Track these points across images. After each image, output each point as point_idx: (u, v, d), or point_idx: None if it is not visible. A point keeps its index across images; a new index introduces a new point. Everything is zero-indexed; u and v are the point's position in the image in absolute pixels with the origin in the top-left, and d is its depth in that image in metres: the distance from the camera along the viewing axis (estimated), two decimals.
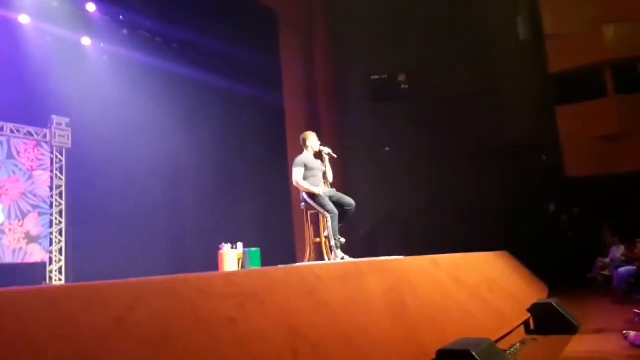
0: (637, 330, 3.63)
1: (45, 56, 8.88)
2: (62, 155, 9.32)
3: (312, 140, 5.41)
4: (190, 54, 11.06)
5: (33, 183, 8.92)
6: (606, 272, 8.06)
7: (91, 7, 9.55)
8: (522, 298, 4.93)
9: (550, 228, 10.02)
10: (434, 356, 2.51)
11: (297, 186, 5.19)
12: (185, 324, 1.74)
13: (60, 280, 8.74)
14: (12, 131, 8.72)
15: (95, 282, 1.77)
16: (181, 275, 1.98)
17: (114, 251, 8.78)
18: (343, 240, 5.07)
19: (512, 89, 10.93)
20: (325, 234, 5.12)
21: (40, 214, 8.93)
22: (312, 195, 5.11)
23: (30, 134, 9.02)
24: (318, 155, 5.44)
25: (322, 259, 5.21)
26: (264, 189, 11.46)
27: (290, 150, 10.46)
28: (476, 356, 2.40)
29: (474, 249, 5.81)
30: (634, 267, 6.80)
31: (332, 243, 4.98)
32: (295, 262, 8.12)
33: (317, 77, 12.04)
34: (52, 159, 9.20)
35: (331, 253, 5.04)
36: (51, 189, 9.10)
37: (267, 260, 7.64)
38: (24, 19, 8.82)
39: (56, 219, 9.05)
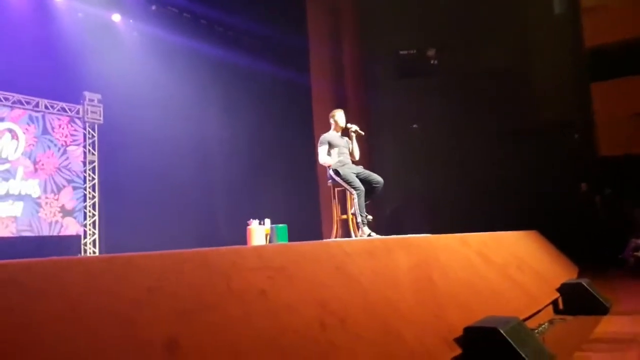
0: None
1: (77, 33, 9.02)
2: (94, 131, 9.54)
3: (339, 116, 5.39)
4: (217, 32, 11.08)
5: (67, 158, 9.17)
6: (638, 254, 7.88)
7: None
8: (551, 278, 4.87)
9: (582, 208, 9.81)
10: (461, 333, 2.52)
11: (322, 164, 5.21)
12: (219, 294, 1.78)
13: (94, 252, 9.04)
14: (46, 107, 8.95)
15: (129, 253, 1.82)
16: (214, 248, 2.02)
17: (145, 225, 9.01)
18: (370, 217, 5.07)
19: (544, 64, 10.61)
20: (352, 211, 5.13)
21: (74, 188, 9.20)
22: (338, 172, 5.11)
23: (64, 109, 9.24)
24: (345, 132, 5.42)
25: (349, 236, 5.24)
26: (291, 166, 11.52)
27: (317, 128, 10.44)
28: (504, 334, 2.39)
29: (502, 228, 5.75)
30: None
31: (359, 220, 4.98)
32: (322, 239, 8.18)
33: (344, 54, 11.91)
34: (85, 135, 9.43)
35: (358, 230, 5.05)
36: (84, 164, 9.35)
37: (294, 236, 7.72)
38: None
39: (89, 193, 9.31)
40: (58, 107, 9.15)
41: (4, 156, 8.34)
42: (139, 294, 1.59)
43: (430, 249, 3.51)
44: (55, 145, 9.07)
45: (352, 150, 5.39)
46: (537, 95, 10.51)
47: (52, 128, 9.07)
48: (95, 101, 9.39)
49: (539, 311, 3.76)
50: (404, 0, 11.38)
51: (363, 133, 5.42)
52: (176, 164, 10.07)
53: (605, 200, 9.87)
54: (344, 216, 5.34)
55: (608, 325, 3.74)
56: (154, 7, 10.14)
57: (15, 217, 8.34)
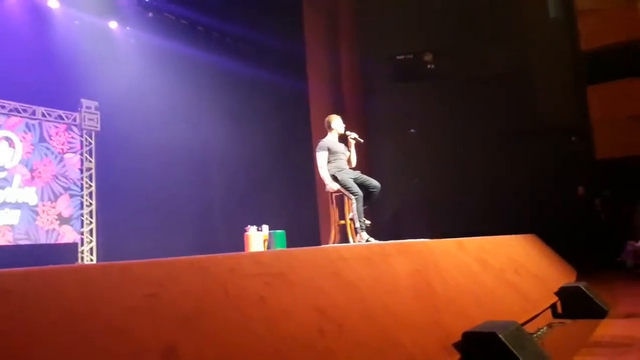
0: None
1: (74, 41, 9.03)
2: (91, 138, 9.53)
3: (337, 122, 5.39)
4: (214, 38, 11.11)
5: (64, 166, 9.16)
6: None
7: None
8: (549, 281, 4.87)
9: (580, 211, 9.83)
10: (459, 338, 2.51)
11: (319, 172, 5.19)
12: (217, 301, 1.78)
13: (91, 260, 9.01)
14: (43, 115, 8.95)
15: (126, 261, 1.82)
16: (211, 255, 2.02)
17: (142, 232, 8.99)
18: (368, 222, 5.07)
19: (541, 68, 10.65)
20: (350, 216, 5.13)
21: (71, 196, 9.18)
22: (336, 178, 5.11)
23: (60, 117, 9.23)
24: (343, 138, 5.42)
25: (347, 241, 5.23)
26: (289, 172, 11.52)
27: (315, 133, 10.45)
28: (502, 338, 2.39)
29: (500, 232, 5.75)
30: None
31: (357, 225, 4.98)
32: (320, 244, 8.17)
33: (341, 59, 11.94)
34: (82, 142, 9.42)
35: (356, 235, 5.05)
36: (81, 171, 9.34)
37: (292, 242, 7.72)
38: (53, 4, 8.98)
39: (87, 200, 9.29)
40: (55, 115, 9.14)
41: (0, 164, 8.33)
42: (136, 301, 1.58)
43: (429, 254, 3.51)
44: (52, 152, 9.06)
45: (349, 157, 5.39)
46: (534, 99, 10.54)
47: (49, 136, 9.06)
48: (92, 108, 9.39)
49: (537, 315, 3.76)
50: (401, 5, 11.42)
51: (362, 141, 5.43)
52: (173, 170, 10.06)
53: (603, 203, 9.88)
54: (342, 221, 5.34)
55: (606, 329, 3.74)
56: (150, 14, 10.17)
57: (12, 226, 8.31)
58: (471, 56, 10.79)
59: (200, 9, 10.43)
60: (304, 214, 11.07)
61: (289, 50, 11.72)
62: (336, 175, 5.12)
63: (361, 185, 5.13)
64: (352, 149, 5.40)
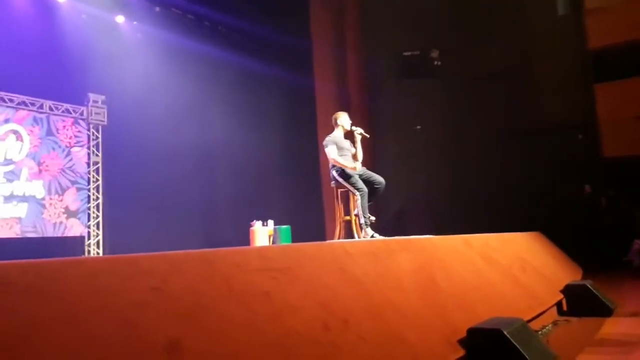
0: None
1: (81, 35, 9.05)
2: (98, 132, 9.57)
3: (343, 119, 5.40)
4: (221, 33, 11.10)
5: (71, 159, 9.20)
6: None
7: None
8: (555, 279, 4.85)
9: (586, 210, 9.77)
10: (464, 334, 2.51)
11: (334, 163, 5.18)
12: (222, 295, 1.78)
13: (97, 253, 9.06)
14: (51, 108, 8.98)
15: (132, 254, 1.82)
16: (217, 249, 2.02)
17: (148, 226, 9.03)
18: (373, 218, 5.07)
19: (548, 66, 10.57)
20: (355, 212, 5.13)
21: (78, 190, 9.23)
22: (342, 174, 5.11)
23: (68, 111, 9.27)
24: (349, 134, 5.43)
25: (352, 237, 5.23)
26: (295, 168, 11.53)
27: (321, 129, 10.44)
28: (508, 335, 2.38)
29: (506, 230, 5.73)
30: None
31: (362, 221, 4.98)
32: (325, 240, 8.18)
33: (347, 56, 11.91)
34: (89, 136, 9.46)
35: (361, 231, 5.05)
36: (88, 165, 9.38)
37: (297, 238, 7.73)
38: None
39: (93, 194, 9.33)
40: (62, 109, 9.18)
41: (8, 157, 8.37)
42: (141, 295, 1.59)
43: (434, 250, 3.50)
44: (60, 146, 9.10)
45: (355, 152, 5.39)
46: (540, 97, 10.48)
47: (57, 129, 9.10)
48: (100, 102, 9.42)
49: (542, 312, 3.74)
50: (408, 2, 11.37)
51: (368, 136, 5.43)
52: (180, 165, 10.09)
53: (610, 202, 9.83)
54: (347, 217, 5.34)
55: (612, 327, 3.72)
56: (157, 9, 10.17)
57: (20, 218, 8.36)
58: (478, 53, 10.73)
59: (207, 4, 10.43)
60: (309, 210, 11.08)
61: (296, 46, 11.69)
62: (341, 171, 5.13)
63: (366, 182, 5.13)
64: (358, 144, 5.40)
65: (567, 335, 3.57)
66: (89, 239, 9.19)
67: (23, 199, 8.44)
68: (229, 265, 1.95)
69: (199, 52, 10.47)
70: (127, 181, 9.28)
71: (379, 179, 5.20)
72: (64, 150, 9.14)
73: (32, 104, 8.75)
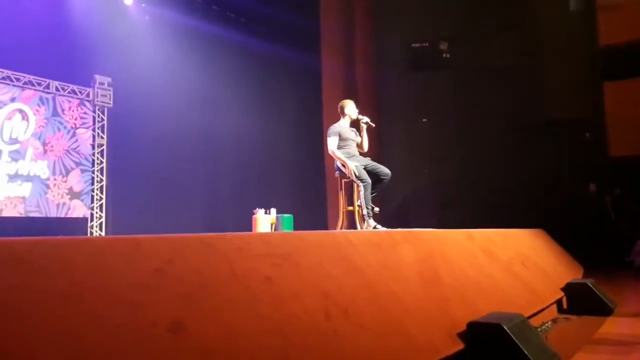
0: None
1: (89, 16, 9.02)
2: (104, 114, 9.57)
3: (350, 108, 5.36)
4: (229, 15, 11.03)
5: (76, 141, 9.21)
6: None
7: None
8: (556, 277, 4.85)
9: (590, 208, 9.74)
10: (464, 328, 2.51)
11: (332, 156, 5.18)
12: (224, 279, 1.79)
13: (100, 235, 9.09)
14: (57, 89, 8.97)
15: (136, 235, 1.82)
16: (220, 233, 2.02)
17: (151, 210, 9.06)
18: (377, 209, 5.06)
19: (557, 61, 10.48)
20: (359, 202, 5.12)
21: (82, 171, 9.25)
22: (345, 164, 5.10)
23: (74, 92, 9.26)
24: (355, 123, 5.39)
25: (355, 227, 5.23)
26: (299, 156, 11.51)
27: (326, 116, 10.40)
28: (507, 330, 2.38)
29: (509, 226, 5.72)
30: None
31: (365, 212, 4.97)
32: (328, 229, 8.18)
33: (356, 42, 11.82)
34: (94, 118, 9.46)
35: (363, 222, 5.04)
36: (93, 147, 9.38)
37: (300, 226, 7.73)
38: None
39: (97, 176, 9.35)
40: (68, 90, 9.17)
41: (14, 137, 8.38)
42: (144, 275, 1.59)
43: (437, 243, 3.50)
44: (65, 127, 9.11)
45: (361, 142, 5.37)
46: (549, 92, 10.40)
47: (62, 110, 9.10)
48: (106, 84, 9.41)
49: (542, 309, 3.74)
50: None
51: (374, 125, 5.40)
52: (184, 149, 10.09)
53: (615, 201, 9.79)
54: (350, 208, 5.33)
55: (612, 327, 3.72)
56: None
57: (24, 198, 8.39)
58: (487, 47, 10.65)
59: None
60: (312, 199, 11.08)
61: (304, 30, 11.61)
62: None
63: (371, 173, 5.11)
64: (364, 133, 5.37)
65: (566, 333, 3.57)
66: (91, 220, 9.22)
67: (27, 178, 8.47)
68: (232, 249, 1.95)
69: (206, 35, 10.42)
70: (131, 164, 9.30)
71: (385, 170, 5.17)
72: (69, 132, 9.14)
73: (39, 84, 8.74)
